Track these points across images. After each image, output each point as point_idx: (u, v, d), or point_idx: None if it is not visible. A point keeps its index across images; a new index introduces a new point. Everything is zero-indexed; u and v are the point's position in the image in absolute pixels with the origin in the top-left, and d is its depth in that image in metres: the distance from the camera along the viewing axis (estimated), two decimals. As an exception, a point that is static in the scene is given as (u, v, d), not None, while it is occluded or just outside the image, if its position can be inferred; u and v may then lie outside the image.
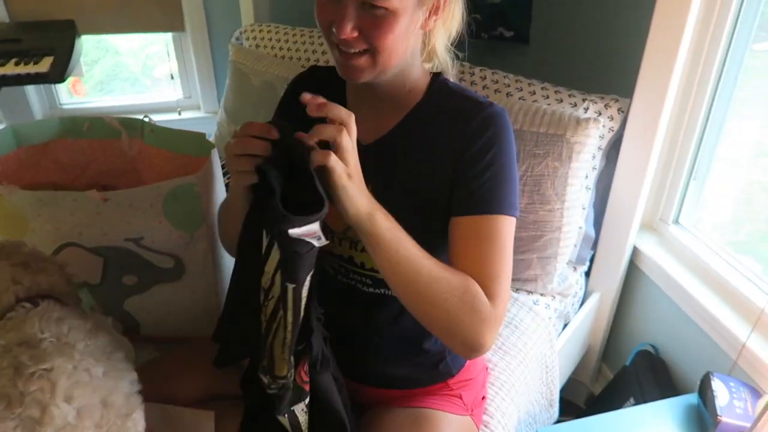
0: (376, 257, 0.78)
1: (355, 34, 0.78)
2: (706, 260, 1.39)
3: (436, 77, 0.92)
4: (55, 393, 0.69)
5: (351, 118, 0.73)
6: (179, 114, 2.37)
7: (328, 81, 0.92)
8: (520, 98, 1.43)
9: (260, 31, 1.92)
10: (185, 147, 1.25)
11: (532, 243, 1.34)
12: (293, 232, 0.68)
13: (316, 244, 0.71)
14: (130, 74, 3.63)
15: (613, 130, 1.39)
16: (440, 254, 0.85)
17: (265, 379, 0.81)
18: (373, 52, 0.79)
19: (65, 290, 0.87)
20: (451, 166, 0.85)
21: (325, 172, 0.70)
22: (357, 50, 0.80)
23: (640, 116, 1.34)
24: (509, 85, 1.47)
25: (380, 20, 0.77)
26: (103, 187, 1.35)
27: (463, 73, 1.53)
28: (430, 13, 0.82)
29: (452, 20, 0.87)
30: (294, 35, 1.90)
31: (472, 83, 1.50)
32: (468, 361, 1.05)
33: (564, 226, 1.33)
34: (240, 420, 0.98)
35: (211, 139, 1.95)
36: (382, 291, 0.95)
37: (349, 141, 0.72)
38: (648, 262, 1.51)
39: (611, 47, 1.56)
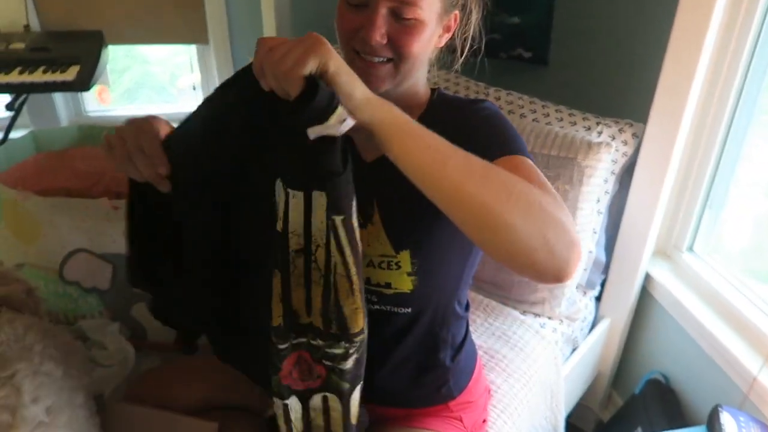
0: (409, 151, 0.64)
1: (385, 40, 0.80)
2: (719, 290, 1.36)
3: (434, 91, 0.94)
4: (21, 397, 0.71)
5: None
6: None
7: None
8: (533, 120, 1.43)
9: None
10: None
11: (540, 265, 1.33)
12: (312, 130, 0.60)
13: (342, 129, 0.62)
14: (157, 83, 3.71)
15: (626, 155, 1.38)
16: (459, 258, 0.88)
17: (331, 360, 0.71)
18: (397, 60, 0.81)
19: (23, 300, 0.88)
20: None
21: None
22: (382, 58, 0.81)
23: (654, 141, 1.32)
24: (523, 107, 1.47)
25: (410, 28, 0.80)
26: (117, 195, 1.38)
27: (477, 93, 1.53)
28: (443, 30, 0.85)
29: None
30: None
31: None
32: (470, 383, 1.04)
33: (573, 251, 1.31)
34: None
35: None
36: (388, 308, 0.95)
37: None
38: (660, 289, 1.48)
39: (628, 71, 1.55)
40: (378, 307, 0.95)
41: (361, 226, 0.89)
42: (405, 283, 0.91)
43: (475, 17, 0.91)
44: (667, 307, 1.49)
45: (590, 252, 1.42)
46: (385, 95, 0.86)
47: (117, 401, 0.99)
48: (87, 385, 0.84)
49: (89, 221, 1.08)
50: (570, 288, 1.37)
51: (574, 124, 1.40)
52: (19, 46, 1.93)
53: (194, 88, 2.44)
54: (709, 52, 1.23)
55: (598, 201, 1.38)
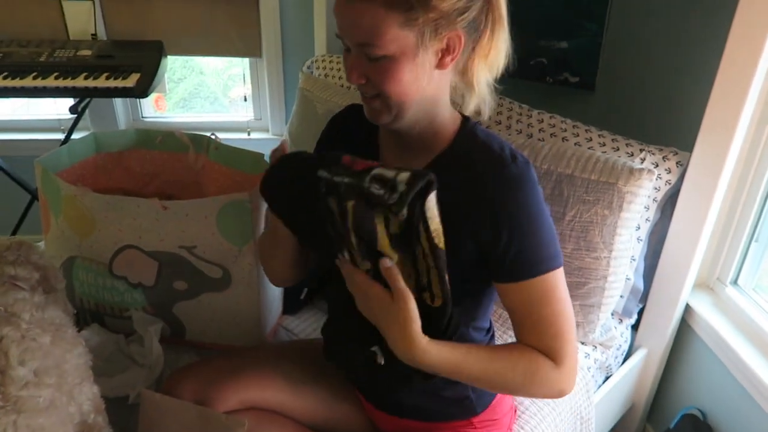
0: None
1: (363, 80, 0.83)
2: (763, 326, 1.32)
3: (466, 122, 0.91)
4: (8, 359, 0.78)
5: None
6: (248, 134, 2.50)
7: (364, 119, 0.92)
8: (575, 143, 1.43)
9: (330, 61, 2.01)
10: (245, 165, 1.32)
11: (575, 289, 1.32)
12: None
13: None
14: (210, 93, 3.84)
15: (670, 183, 1.36)
16: (474, 284, 0.90)
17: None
18: (383, 97, 0.83)
19: (29, 281, 0.94)
20: (473, 230, 0.85)
21: None
22: (370, 95, 0.85)
23: (699, 171, 1.31)
24: (566, 130, 1.47)
25: (382, 67, 0.80)
26: (168, 196, 1.44)
27: (521, 115, 1.54)
28: (443, 53, 0.81)
29: (496, 54, 0.86)
30: (323, 62, 1.98)
31: (529, 125, 1.51)
32: (494, 401, 1.04)
33: (610, 276, 1.30)
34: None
35: (274, 160, 2.04)
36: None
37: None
38: (701, 322, 1.45)
39: (675, 100, 1.54)
40: None
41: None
42: None
43: (501, 37, 0.85)
44: (706, 340, 1.45)
45: (628, 279, 1.40)
46: (401, 136, 0.91)
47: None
48: (78, 355, 0.91)
49: (140, 219, 1.14)
50: (605, 314, 1.35)
51: (617, 149, 1.39)
52: (86, 53, 2.04)
53: (245, 99, 2.53)
54: (760, 83, 1.21)
55: (638, 228, 1.36)
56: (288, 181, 0.87)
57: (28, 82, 1.90)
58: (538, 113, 1.54)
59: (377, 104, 0.85)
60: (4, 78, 1.90)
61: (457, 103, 0.92)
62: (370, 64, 0.81)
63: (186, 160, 1.41)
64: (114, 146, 1.39)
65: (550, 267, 0.84)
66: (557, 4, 1.74)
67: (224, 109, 2.81)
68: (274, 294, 1.34)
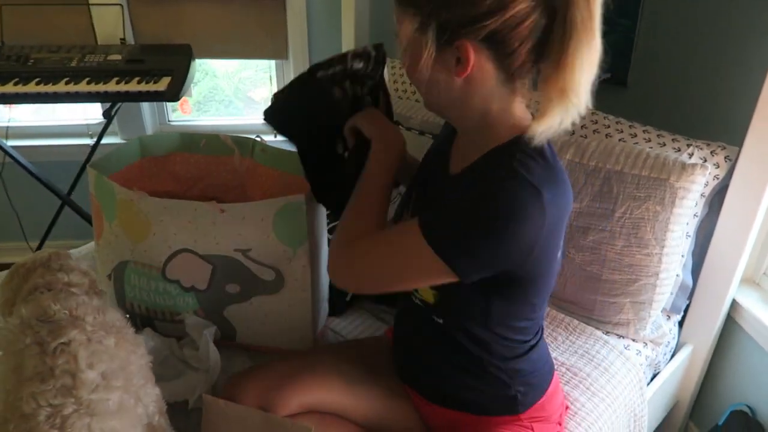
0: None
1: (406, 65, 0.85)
2: (814, 321, 1.32)
3: (516, 138, 0.82)
4: (78, 363, 0.79)
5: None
6: (275, 136, 2.49)
7: None
8: (620, 139, 1.42)
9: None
10: (291, 166, 1.32)
11: (626, 287, 1.32)
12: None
13: None
14: (224, 97, 3.85)
15: (718, 178, 1.35)
16: (490, 284, 0.85)
17: None
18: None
19: (83, 286, 0.95)
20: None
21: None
22: None
23: (749, 166, 1.30)
24: (609, 126, 1.47)
25: (403, 57, 0.84)
26: (212, 199, 1.44)
27: (561, 111, 1.53)
28: (456, 62, 0.78)
29: (571, 75, 0.75)
30: (391, 68, 1.97)
31: (572, 122, 1.50)
32: (542, 399, 1.03)
33: (661, 273, 1.29)
34: None
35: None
36: (425, 303, 0.97)
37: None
38: (748, 317, 1.44)
39: (716, 94, 1.52)
40: (418, 303, 0.99)
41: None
42: (428, 295, 0.95)
43: (579, 53, 0.74)
44: (754, 335, 1.44)
45: (677, 276, 1.39)
46: (460, 132, 0.93)
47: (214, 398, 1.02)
48: (141, 356, 0.92)
49: (196, 223, 1.13)
50: (656, 311, 1.34)
51: (663, 145, 1.38)
52: (116, 57, 2.04)
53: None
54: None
55: (687, 224, 1.36)
56: (296, 100, 1.03)
57: (61, 87, 1.91)
58: (579, 110, 1.53)
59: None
60: (37, 83, 1.91)
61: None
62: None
63: (230, 163, 1.41)
64: (159, 150, 1.39)
65: (424, 225, 0.81)
66: None
67: (239, 112, 2.82)
68: (323, 295, 1.33)
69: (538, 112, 0.79)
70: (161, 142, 1.40)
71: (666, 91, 1.66)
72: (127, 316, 1.30)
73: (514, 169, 0.78)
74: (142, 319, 1.31)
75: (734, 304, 1.47)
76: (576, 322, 1.39)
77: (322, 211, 1.24)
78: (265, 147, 1.36)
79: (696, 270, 1.45)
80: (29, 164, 2.18)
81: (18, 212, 2.42)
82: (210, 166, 1.42)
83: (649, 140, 1.41)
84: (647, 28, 1.64)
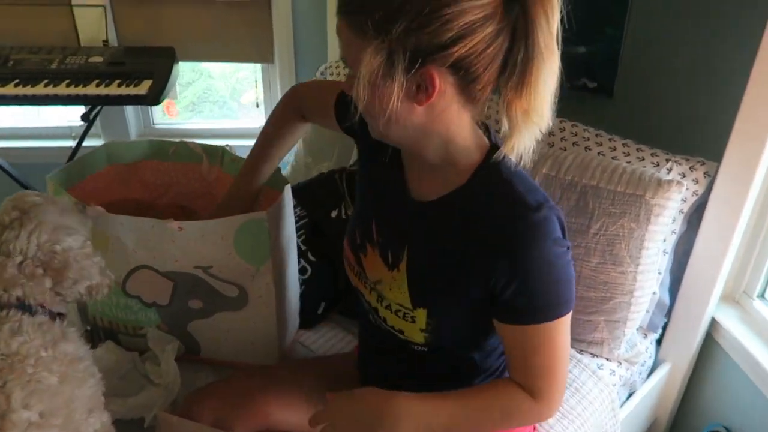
0: None
1: (350, 93, 0.77)
2: (793, 342, 1.28)
3: (491, 154, 0.81)
4: (10, 403, 0.77)
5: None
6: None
7: None
8: (599, 153, 1.39)
9: (344, 67, 1.98)
10: (261, 178, 1.29)
11: (600, 305, 1.29)
12: None
13: None
14: (219, 97, 3.82)
15: (697, 194, 1.32)
16: (480, 317, 0.85)
17: None
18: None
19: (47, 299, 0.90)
20: (484, 274, 0.81)
21: None
22: None
23: (728, 182, 1.26)
24: (588, 139, 1.44)
25: (356, 86, 0.74)
26: (181, 207, 1.42)
27: (541, 123, 1.50)
28: (418, 89, 0.72)
29: (535, 98, 0.72)
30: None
31: (551, 134, 1.47)
32: None
33: (636, 291, 1.26)
34: None
35: (288, 168, 2.02)
36: (406, 344, 0.94)
37: None
38: (727, 336, 1.41)
39: (698, 107, 1.49)
40: (398, 338, 0.95)
41: (389, 268, 0.89)
42: (417, 337, 0.90)
43: (542, 77, 0.71)
44: (732, 355, 1.41)
45: (654, 293, 1.36)
46: (416, 160, 0.86)
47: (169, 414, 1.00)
48: (90, 386, 0.89)
49: (154, 240, 1.10)
50: (631, 330, 1.31)
51: (642, 159, 1.35)
52: (97, 59, 2.02)
53: (257, 105, 2.50)
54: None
55: (665, 240, 1.33)
56: None
57: (40, 89, 1.89)
58: (560, 121, 1.50)
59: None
60: (16, 85, 1.89)
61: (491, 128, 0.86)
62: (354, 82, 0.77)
63: (199, 171, 1.39)
64: (127, 157, 1.36)
65: (556, 315, 0.81)
66: (575, 8, 1.69)
67: (233, 113, 2.79)
68: (292, 310, 1.31)
69: (505, 134, 0.77)
70: (129, 150, 1.37)
71: (652, 102, 1.63)
72: (88, 329, 1.28)
73: (525, 200, 0.79)
74: (105, 332, 1.29)
75: (713, 322, 1.44)
76: (549, 339, 1.36)
77: (288, 228, 1.21)
78: (234, 157, 1.34)
79: (674, 287, 1.42)
80: (7, 165, 2.16)
81: (0, 214, 2.40)
82: (179, 174, 1.39)
83: (628, 154, 1.37)
84: (634, 38, 1.61)
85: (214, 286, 1.16)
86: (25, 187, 2.15)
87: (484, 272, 0.80)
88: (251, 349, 1.25)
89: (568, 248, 0.81)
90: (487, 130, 0.85)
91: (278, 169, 1.26)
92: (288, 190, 1.19)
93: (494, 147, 0.82)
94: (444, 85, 0.72)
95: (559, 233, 0.79)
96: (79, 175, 1.28)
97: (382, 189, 0.95)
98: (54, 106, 2.29)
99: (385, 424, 0.81)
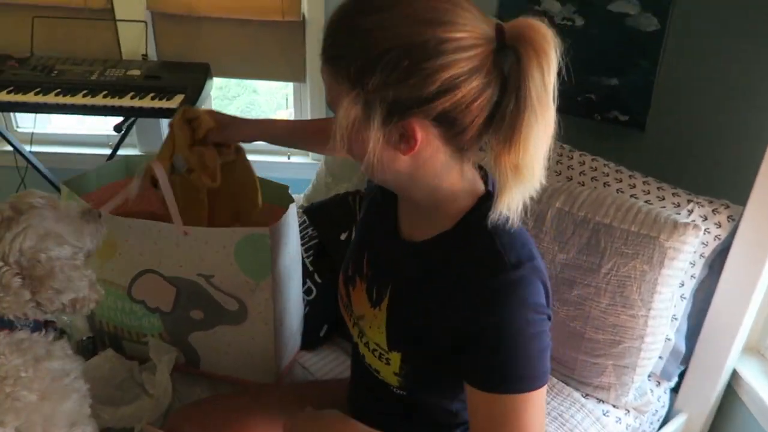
0: None
1: None
2: (819, 403, 1.20)
3: (483, 202, 0.77)
4: None
5: None
6: (288, 158, 2.50)
7: None
8: (617, 190, 1.35)
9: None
10: (270, 195, 1.30)
11: (608, 348, 1.23)
12: None
13: None
14: (261, 113, 3.90)
15: (719, 238, 1.26)
16: (456, 370, 0.79)
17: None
18: None
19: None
20: (453, 324, 0.76)
21: None
22: None
23: (752, 227, 1.20)
24: (608, 174, 1.39)
25: (337, 130, 0.72)
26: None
27: (561, 155, 1.47)
28: (399, 140, 0.69)
29: (523, 156, 0.67)
30: None
31: (569, 167, 1.44)
32: None
33: (647, 336, 1.21)
34: None
35: (309, 186, 2.03)
36: (385, 385, 0.91)
37: None
38: (748, 390, 1.33)
39: (731, 147, 1.44)
40: (377, 377, 0.91)
41: (372, 305, 0.87)
42: (391, 379, 0.87)
43: (533, 133, 0.66)
44: (754, 411, 1.33)
45: (668, 339, 1.30)
46: (407, 201, 0.85)
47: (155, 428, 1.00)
48: (74, 401, 0.87)
49: (161, 244, 1.13)
50: (641, 377, 1.25)
51: (662, 199, 1.30)
52: (135, 72, 2.09)
53: (287, 123, 2.54)
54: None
55: (682, 285, 1.27)
56: None
57: (78, 99, 1.96)
58: (580, 155, 1.46)
59: None
60: (56, 95, 1.97)
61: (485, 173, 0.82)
62: None
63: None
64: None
65: (520, 388, 0.72)
66: (609, 39, 1.67)
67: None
68: (292, 330, 1.30)
69: (496, 190, 0.72)
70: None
71: (683, 139, 1.58)
72: (92, 336, 1.31)
73: (503, 257, 0.73)
74: (110, 338, 1.31)
75: (735, 374, 1.36)
76: (554, 380, 1.31)
77: (292, 246, 1.21)
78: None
79: (692, 335, 1.35)
80: (45, 170, 2.25)
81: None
82: (195, 189, 1.42)
83: (648, 192, 1.33)
84: (668, 71, 1.57)
85: (215, 297, 1.17)
86: (58, 190, 2.23)
87: (454, 323, 0.76)
88: (249, 366, 1.25)
89: (548, 317, 0.75)
90: (486, 174, 0.82)
91: (286, 187, 1.26)
92: (293, 209, 1.19)
93: (488, 194, 0.79)
94: (428, 136, 0.69)
95: (537, 298, 0.73)
96: (95, 184, 1.32)
97: (377, 225, 0.94)
98: (91, 116, 2.37)
99: None
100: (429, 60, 0.64)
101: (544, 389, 0.74)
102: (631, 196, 1.32)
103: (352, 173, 1.85)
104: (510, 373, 0.73)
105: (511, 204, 0.70)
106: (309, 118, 2.41)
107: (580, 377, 1.29)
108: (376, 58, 0.65)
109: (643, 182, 1.36)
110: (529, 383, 0.73)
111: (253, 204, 1.24)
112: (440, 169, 0.74)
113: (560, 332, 1.28)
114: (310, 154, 2.50)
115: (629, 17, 1.62)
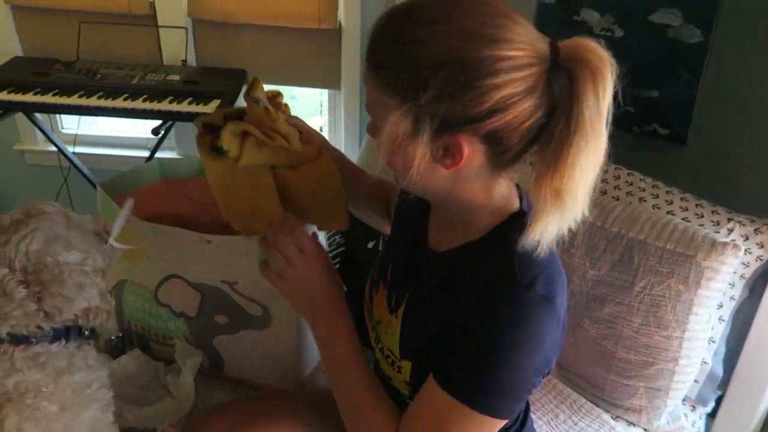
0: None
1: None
2: None
3: (511, 222, 0.76)
4: (4, 428, 0.77)
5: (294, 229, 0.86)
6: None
7: None
8: (653, 205, 1.31)
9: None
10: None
11: (640, 369, 1.19)
12: None
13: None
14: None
15: (761, 260, 1.20)
16: None
17: None
18: None
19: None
20: (457, 325, 0.75)
21: None
22: None
23: (797, 249, 1.15)
24: (644, 190, 1.35)
25: (377, 141, 0.72)
26: (224, 226, 1.45)
27: (595, 168, 1.43)
28: (444, 155, 0.68)
29: (568, 180, 0.64)
30: None
31: (604, 181, 1.40)
32: None
33: (682, 358, 1.16)
34: None
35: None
36: (397, 393, 0.89)
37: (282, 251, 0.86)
38: (791, 420, 1.26)
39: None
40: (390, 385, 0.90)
41: (390, 311, 0.87)
42: (402, 388, 0.86)
43: (581, 157, 0.64)
44: (797, 443, 1.26)
45: (705, 363, 1.25)
46: (437, 209, 0.84)
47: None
48: (96, 410, 0.87)
49: (186, 250, 1.14)
50: (674, 401, 1.20)
51: (701, 216, 1.25)
52: (174, 77, 2.14)
53: (321, 129, 2.55)
54: None
55: (720, 306, 1.21)
56: None
57: (119, 103, 2.01)
58: (615, 168, 1.42)
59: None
60: (99, 98, 2.03)
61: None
62: None
63: (244, 192, 1.42)
64: (178, 173, 1.42)
65: (480, 406, 0.70)
66: (649, 51, 1.62)
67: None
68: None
69: (531, 215, 0.69)
70: (181, 166, 1.43)
71: (726, 154, 1.52)
72: (120, 336, 1.32)
73: (516, 275, 0.70)
74: (138, 338, 1.33)
75: (776, 402, 1.30)
76: (583, 400, 1.27)
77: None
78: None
79: (731, 359, 1.29)
80: (87, 170, 2.32)
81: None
82: (225, 193, 1.43)
83: (686, 209, 1.28)
84: (712, 84, 1.52)
85: (239, 303, 1.18)
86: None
87: (456, 325, 0.74)
88: (272, 371, 1.25)
89: (546, 360, 0.72)
90: (521, 193, 0.80)
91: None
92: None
93: (521, 213, 0.77)
94: (473, 153, 0.68)
95: (542, 336, 0.69)
96: (129, 185, 1.34)
97: (407, 233, 0.94)
98: (131, 119, 2.43)
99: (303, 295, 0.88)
100: (484, 78, 0.63)
101: (496, 426, 0.72)
102: (668, 212, 1.27)
103: (383, 181, 1.84)
104: (479, 385, 0.70)
105: (544, 232, 0.67)
106: (343, 125, 2.42)
107: (610, 398, 1.25)
108: (429, 72, 0.63)
109: (681, 198, 1.31)
110: (492, 406, 0.71)
111: (333, 217, 1.04)
112: (478, 184, 0.73)
113: (590, 351, 1.25)
114: (343, 160, 2.51)
115: (671, 28, 1.57)
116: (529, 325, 0.69)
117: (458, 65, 0.63)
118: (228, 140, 0.92)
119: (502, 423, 0.73)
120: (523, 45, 0.64)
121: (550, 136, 0.65)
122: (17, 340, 0.80)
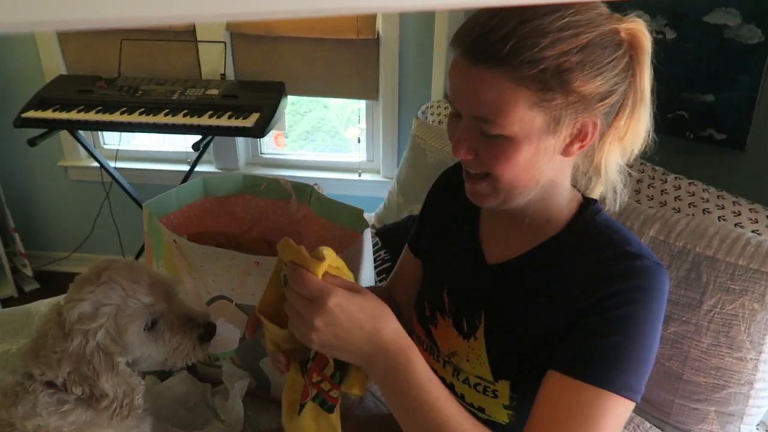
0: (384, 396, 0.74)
1: (470, 156, 0.72)
2: None
3: (586, 207, 0.80)
4: None
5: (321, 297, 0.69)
6: (359, 175, 2.48)
7: None
8: (719, 217, 1.23)
9: (445, 107, 1.94)
10: (343, 220, 1.27)
11: (711, 392, 1.12)
12: None
13: None
14: (331, 128, 3.94)
15: (843, 275, 1.12)
16: None
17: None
18: (492, 179, 0.72)
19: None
20: (570, 318, 0.73)
21: None
22: (476, 172, 0.74)
23: None
24: (708, 200, 1.27)
25: (497, 146, 0.69)
26: (268, 243, 1.43)
27: (653, 179, 1.36)
28: (573, 139, 0.71)
29: (633, 138, 0.75)
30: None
31: (663, 191, 1.33)
32: None
33: (757, 382, 1.08)
34: None
35: (381, 206, 2.00)
36: (494, 422, 0.84)
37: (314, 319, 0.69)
38: None
39: None
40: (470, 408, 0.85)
41: (464, 337, 0.82)
42: (500, 415, 0.80)
43: (641, 117, 0.74)
44: None
45: (781, 387, 1.16)
46: (507, 214, 0.80)
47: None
48: None
49: (232, 271, 1.12)
50: (749, 427, 1.12)
51: (773, 229, 1.17)
52: (214, 92, 2.14)
53: (359, 140, 2.52)
54: None
55: (798, 326, 1.13)
56: None
57: (160, 118, 2.02)
58: (675, 178, 1.35)
59: (483, 186, 0.74)
60: (140, 114, 2.04)
61: (580, 184, 0.81)
62: (483, 140, 0.70)
63: (287, 209, 1.39)
64: (221, 191, 1.40)
65: (619, 391, 0.67)
66: (704, 53, 1.55)
67: (343, 143, 2.84)
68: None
69: (587, 181, 0.81)
70: (224, 183, 1.41)
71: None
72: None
73: (625, 248, 0.74)
74: (184, 359, 1.31)
75: None
76: (648, 425, 1.20)
77: (365, 273, 1.17)
78: (320, 197, 1.33)
79: (809, 381, 1.20)
80: (128, 185, 2.33)
81: (119, 228, 2.60)
82: (269, 210, 1.41)
83: (756, 221, 1.20)
84: (773, 87, 1.44)
85: (285, 325, 1.14)
86: (139, 205, 2.30)
87: (569, 322, 0.72)
88: (319, 394, 1.22)
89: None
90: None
91: (360, 211, 1.23)
92: (367, 234, 1.15)
93: (587, 200, 0.81)
94: (594, 131, 0.72)
95: (666, 292, 0.72)
96: (174, 205, 1.33)
97: (454, 255, 0.91)
98: (172, 135, 2.44)
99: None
100: (609, 56, 0.67)
101: (630, 407, 0.69)
102: (737, 224, 1.20)
103: (423, 194, 1.81)
104: (618, 368, 0.67)
105: (613, 183, 0.77)
106: (381, 134, 2.39)
107: (676, 422, 1.18)
108: (574, 57, 0.65)
109: (750, 209, 1.23)
110: (626, 385, 0.67)
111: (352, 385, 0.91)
112: (566, 171, 0.77)
113: (654, 371, 1.17)
114: (381, 172, 2.47)
115: (728, 29, 1.50)
116: (658, 290, 0.71)
117: (595, 46, 0.66)
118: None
119: (627, 407, 0.69)
120: (614, 25, 0.70)
121: (621, 109, 0.73)
122: (49, 384, 0.79)
